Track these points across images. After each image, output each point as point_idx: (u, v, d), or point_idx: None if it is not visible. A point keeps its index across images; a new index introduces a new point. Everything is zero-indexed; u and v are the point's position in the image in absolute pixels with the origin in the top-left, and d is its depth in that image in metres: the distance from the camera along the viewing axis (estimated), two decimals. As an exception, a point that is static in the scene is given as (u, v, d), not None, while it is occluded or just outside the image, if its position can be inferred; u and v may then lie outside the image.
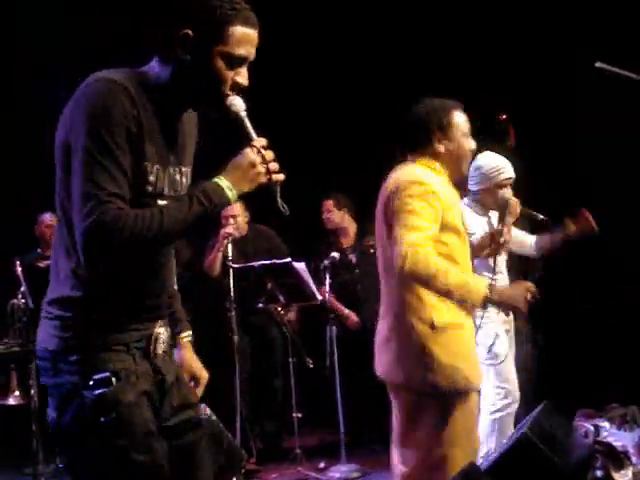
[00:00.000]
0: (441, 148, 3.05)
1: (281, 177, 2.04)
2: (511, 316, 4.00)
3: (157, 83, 2.04)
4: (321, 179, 6.27)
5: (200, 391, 2.45)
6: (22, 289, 4.78)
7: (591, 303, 5.87)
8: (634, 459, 3.82)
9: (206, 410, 3.96)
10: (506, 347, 3.96)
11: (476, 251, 3.45)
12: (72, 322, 2.00)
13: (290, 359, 5.29)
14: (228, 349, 5.10)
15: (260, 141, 2.04)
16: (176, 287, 2.44)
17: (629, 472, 3.66)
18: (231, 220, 5.44)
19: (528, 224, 4.53)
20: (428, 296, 2.91)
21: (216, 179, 2.00)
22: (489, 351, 3.82)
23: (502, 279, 4.00)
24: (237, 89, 2.05)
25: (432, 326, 2.90)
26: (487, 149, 4.02)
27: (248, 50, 2.04)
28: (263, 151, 2.02)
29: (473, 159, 3.49)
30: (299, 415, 5.19)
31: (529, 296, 2.92)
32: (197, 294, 4.95)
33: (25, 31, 6.13)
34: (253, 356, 5.55)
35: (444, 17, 6.19)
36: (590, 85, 4.58)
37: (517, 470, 3.06)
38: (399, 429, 3.07)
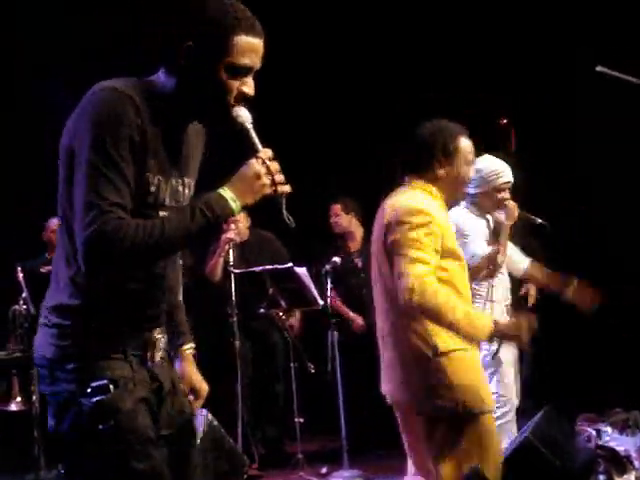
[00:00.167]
0: (442, 173, 3.02)
1: (287, 189, 2.00)
2: None
3: (162, 93, 2.02)
4: (322, 183, 6.27)
5: (199, 404, 2.42)
6: (23, 295, 4.78)
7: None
8: (637, 464, 3.81)
9: (208, 416, 3.96)
10: (510, 354, 3.95)
11: (473, 274, 3.43)
12: (70, 330, 1.99)
13: (292, 364, 5.28)
14: (230, 354, 5.09)
15: (266, 152, 2.00)
16: (181, 298, 2.42)
17: (632, 477, 3.65)
18: (232, 225, 5.42)
19: (528, 228, 4.53)
20: (429, 323, 2.89)
21: (220, 190, 1.96)
22: (493, 357, 3.81)
23: (502, 280, 3.98)
24: (243, 99, 2.02)
25: (436, 351, 2.88)
26: (488, 153, 4.01)
27: (253, 60, 2.00)
28: (269, 162, 1.98)
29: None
30: (301, 420, 5.18)
31: (530, 327, 2.91)
32: (198, 299, 4.93)
33: (25, 31, 6.12)
34: (255, 361, 5.54)
35: (445, 20, 6.18)
36: (590, 88, 4.57)
37: (520, 474, 3.06)
38: (413, 441, 3.06)
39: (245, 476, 4.16)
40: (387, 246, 2.91)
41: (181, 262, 2.28)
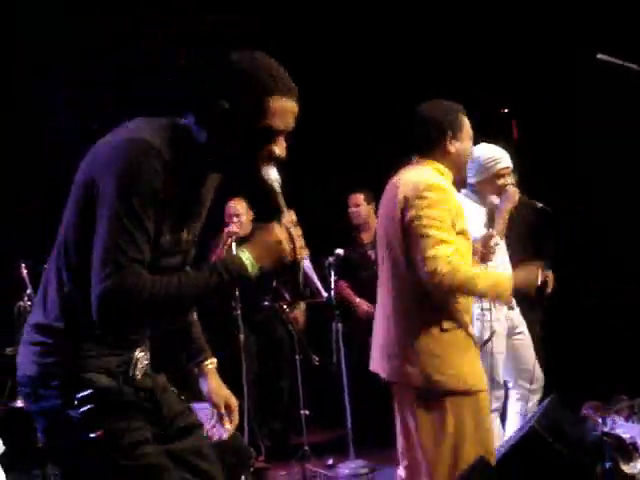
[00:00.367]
0: (452, 148, 3.08)
1: (305, 254, 2.03)
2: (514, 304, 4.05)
3: (191, 143, 2.00)
4: (324, 176, 6.28)
5: (235, 418, 2.42)
6: (28, 291, 4.78)
7: (596, 298, 5.87)
8: (643, 451, 3.82)
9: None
10: (501, 345, 3.96)
11: None
12: (53, 349, 2.00)
13: (296, 357, 5.27)
14: (234, 348, 5.09)
15: (290, 217, 2.00)
16: (195, 315, 2.42)
17: (638, 464, 3.66)
18: (235, 219, 5.43)
19: (532, 214, 4.53)
20: (436, 301, 2.95)
21: (240, 252, 1.96)
22: (482, 347, 3.82)
23: (502, 270, 3.99)
24: (273, 160, 2.01)
25: (441, 328, 2.94)
26: (490, 143, 4.02)
27: (287, 122, 1.99)
28: (292, 227, 1.98)
29: None
30: (306, 412, 5.17)
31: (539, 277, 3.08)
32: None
33: (25, 31, 6.12)
34: (259, 354, 5.55)
35: (446, 12, 6.19)
36: (590, 82, 4.58)
37: (526, 463, 3.07)
38: (407, 431, 3.07)
39: (252, 468, 4.17)
40: (404, 222, 2.94)
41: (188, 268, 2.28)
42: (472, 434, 2.94)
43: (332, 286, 5.24)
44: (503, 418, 4.20)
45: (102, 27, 6.16)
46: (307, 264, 5.03)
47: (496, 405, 3.95)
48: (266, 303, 5.35)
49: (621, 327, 5.72)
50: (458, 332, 2.98)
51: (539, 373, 4.21)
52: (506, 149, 4.04)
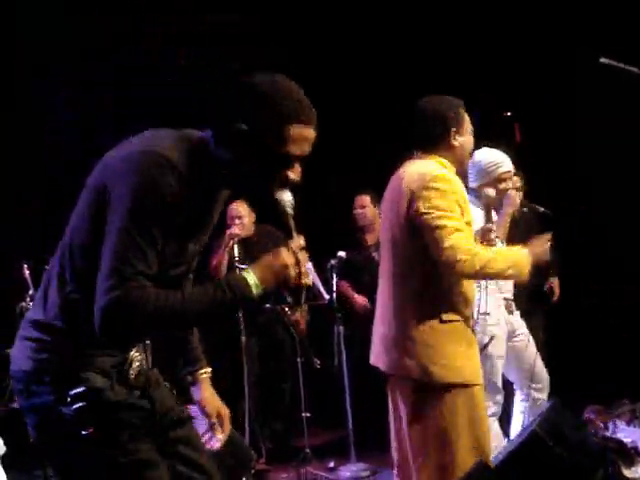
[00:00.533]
0: (456, 143, 3.09)
1: (309, 281, 2.03)
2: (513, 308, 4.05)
3: (207, 156, 2.01)
4: (324, 177, 6.26)
5: (226, 428, 2.45)
6: (30, 292, 4.78)
7: (596, 298, 5.88)
8: (644, 455, 3.83)
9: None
10: (501, 349, 3.95)
11: None
12: (50, 346, 2.01)
13: (298, 359, 5.26)
14: (236, 350, 5.09)
15: (298, 241, 2.02)
16: None
17: (639, 468, 3.66)
18: (237, 221, 5.42)
19: (535, 218, 4.53)
20: (438, 293, 2.96)
21: (245, 272, 1.97)
22: (481, 351, 3.81)
23: None
24: (287, 184, 2.03)
25: (440, 320, 2.95)
26: (492, 147, 4.02)
27: (305, 149, 2.00)
28: (298, 252, 2.00)
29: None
30: (308, 415, 5.17)
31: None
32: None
33: (25, 31, 6.12)
34: (261, 356, 5.54)
35: (447, 13, 6.19)
36: (591, 84, 4.58)
37: (527, 467, 3.06)
38: (400, 425, 3.08)
39: (252, 471, 4.17)
40: (410, 214, 2.94)
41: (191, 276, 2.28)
42: (465, 429, 2.95)
43: (334, 289, 5.23)
44: (502, 421, 4.20)
45: (102, 27, 6.16)
46: (309, 266, 5.01)
47: (494, 409, 3.95)
48: (267, 305, 5.34)
49: (621, 327, 5.72)
50: (457, 325, 2.98)
51: (544, 373, 4.21)
52: (508, 152, 4.04)
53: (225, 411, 2.45)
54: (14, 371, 2.06)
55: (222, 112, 1.99)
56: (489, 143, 3.96)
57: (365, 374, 5.27)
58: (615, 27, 5.50)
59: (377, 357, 3.13)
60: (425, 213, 2.90)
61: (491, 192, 3.78)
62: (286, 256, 1.98)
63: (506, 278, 3.13)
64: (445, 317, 2.96)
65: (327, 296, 5.14)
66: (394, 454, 3.17)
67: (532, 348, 4.16)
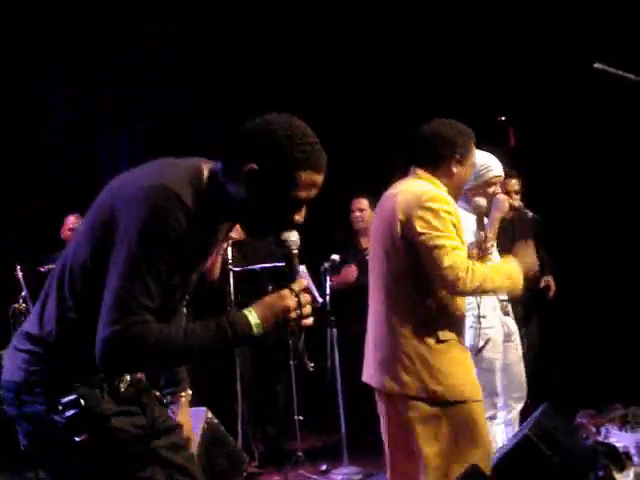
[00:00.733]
0: (456, 171, 3.10)
1: (310, 322, 2.02)
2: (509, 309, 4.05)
3: (216, 190, 2.02)
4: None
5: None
6: (23, 294, 4.79)
7: (596, 298, 5.88)
8: (636, 460, 3.83)
9: (208, 414, 3.97)
10: (498, 352, 3.94)
11: None
12: (42, 358, 2.02)
13: (291, 362, 5.26)
14: (228, 351, 5.10)
15: (300, 284, 2.02)
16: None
17: (631, 473, 3.66)
18: (231, 224, 5.41)
19: (529, 224, 4.53)
20: (432, 312, 2.97)
21: (247, 311, 1.97)
22: (476, 355, 3.81)
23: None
24: (292, 225, 2.03)
25: (437, 340, 2.96)
26: (487, 151, 4.01)
27: (312, 192, 2.02)
28: (300, 294, 2.00)
29: None
30: (300, 418, 5.17)
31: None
32: (197, 298, 4.92)
33: (25, 31, 6.14)
34: (254, 359, 5.53)
35: (444, 17, 6.20)
36: (590, 84, 4.57)
37: (519, 471, 3.07)
38: (398, 441, 3.08)
39: (245, 474, 4.18)
40: (407, 233, 2.94)
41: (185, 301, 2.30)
42: (469, 443, 2.94)
43: (327, 292, 5.23)
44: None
45: (102, 27, 6.18)
46: (302, 269, 5.02)
47: (491, 413, 3.94)
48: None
49: (621, 327, 5.72)
50: (453, 343, 3.00)
51: (523, 383, 4.19)
52: (502, 157, 4.03)
53: (193, 437, 2.48)
54: (5, 381, 2.06)
55: (236, 149, 2.00)
56: (483, 147, 3.95)
57: (358, 378, 5.28)
58: (612, 30, 5.50)
59: (369, 375, 3.14)
60: (422, 233, 2.91)
61: (482, 202, 3.78)
62: (289, 299, 1.99)
63: (503, 292, 3.15)
64: (442, 336, 2.97)
65: (320, 299, 5.13)
66: (391, 466, 3.16)
67: (520, 358, 4.15)
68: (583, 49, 4.99)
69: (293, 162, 1.96)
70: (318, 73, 6.44)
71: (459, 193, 3.23)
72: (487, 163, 3.90)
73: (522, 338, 4.31)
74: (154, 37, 6.49)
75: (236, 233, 5.40)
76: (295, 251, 2.04)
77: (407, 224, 2.94)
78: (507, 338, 4.10)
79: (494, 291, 3.09)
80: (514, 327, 4.19)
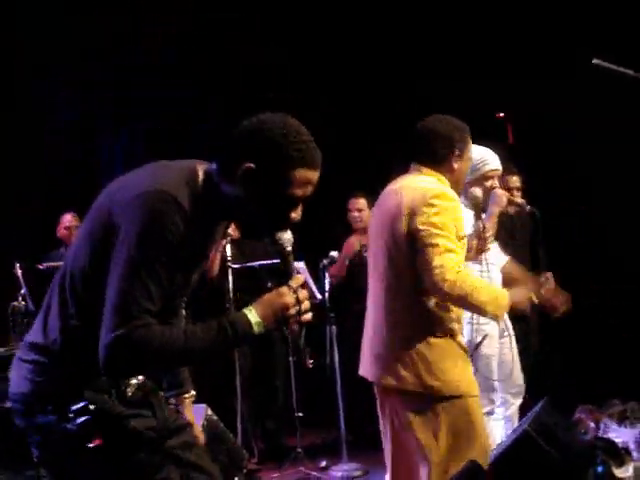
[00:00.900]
0: (456, 166, 3.10)
1: (309, 318, 2.04)
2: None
3: (212, 191, 2.03)
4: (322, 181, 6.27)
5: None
6: (22, 291, 4.80)
7: (596, 298, 5.87)
8: (635, 455, 3.83)
9: (207, 410, 3.97)
10: (494, 348, 3.94)
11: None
12: (47, 368, 2.02)
13: (290, 358, 5.27)
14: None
15: (297, 280, 2.03)
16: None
17: (630, 468, 3.66)
18: (229, 222, 5.42)
19: (530, 219, 4.53)
20: (431, 308, 2.96)
21: (247, 310, 1.99)
22: (474, 350, 3.80)
23: (493, 278, 3.98)
24: (289, 223, 2.05)
25: (435, 335, 2.96)
26: (485, 146, 4.01)
27: (308, 190, 2.03)
28: (299, 291, 2.01)
29: None
30: (300, 414, 5.17)
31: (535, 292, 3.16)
32: (196, 295, 4.92)
33: (25, 31, 6.15)
34: (253, 356, 5.53)
35: (443, 14, 6.20)
36: (590, 82, 4.57)
37: (518, 467, 3.06)
38: (398, 436, 3.08)
39: (244, 470, 4.17)
40: (410, 228, 2.93)
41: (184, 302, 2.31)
42: (466, 438, 2.94)
43: (326, 288, 5.23)
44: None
45: (102, 27, 6.19)
46: (301, 265, 5.02)
47: (489, 408, 3.95)
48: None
49: (621, 327, 5.72)
50: (450, 339, 2.99)
51: (520, 379, 4.19)
52: (501, 154, 4.03)
53: (202, 437, 2.49)
54: (12, 393, 2.06)
55: (231, 149, 2.02)
56: (482, 144, 3.95)
57: (357, 374, 5.30)
58: (611, 27, 5.50)
59: (366, 369, 3.14)
60: (421, 230, 2.90)
61: (478, 192, 3.77)
62: (288, 296, 2.00)
63: (482, 313, 3.09)
64: (440, 332, 2.97)
65: (319, 296, 5.14)
66: (390, 461, 3.16)
67: (515, 353, 4.15)
68: (583, 47, 4.99)
69: (289, 160, 1.97)
70: (318, 73, 6.45)
71: (461, 188, 3.23)
72: (484, 157, 3.90)
73: (525, 335, 4.30)
74: (154, 37, 6.50)
75: (234, 231, 5.43)
76: (289, 249, 2.05)
77: (411, 220, 2.94)
78: (502, 333, 4.10)
79: (477, 307, 2.96)
80: (509, 323, 4.19)
